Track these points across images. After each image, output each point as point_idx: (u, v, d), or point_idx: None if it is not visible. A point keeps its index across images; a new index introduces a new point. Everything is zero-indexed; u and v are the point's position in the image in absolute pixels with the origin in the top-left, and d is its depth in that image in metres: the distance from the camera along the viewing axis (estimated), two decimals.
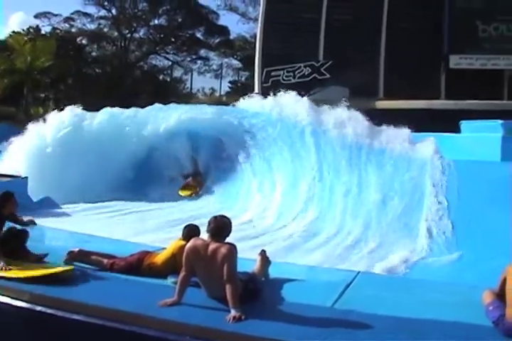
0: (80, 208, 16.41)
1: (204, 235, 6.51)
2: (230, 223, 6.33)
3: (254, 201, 17.17)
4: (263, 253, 7.46)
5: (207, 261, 6.06)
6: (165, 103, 23.16)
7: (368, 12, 37.59)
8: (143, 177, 19.72)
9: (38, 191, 16.13)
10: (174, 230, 12.74)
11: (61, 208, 16.03)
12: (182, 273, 6.21)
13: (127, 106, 22.25)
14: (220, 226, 6.19)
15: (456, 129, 20.50)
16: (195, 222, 8.13)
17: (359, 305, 6.31)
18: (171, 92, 60.12)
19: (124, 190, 18.95)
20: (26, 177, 16.00)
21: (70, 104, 21.89)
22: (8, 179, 15.74)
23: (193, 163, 19.96)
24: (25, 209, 13.79)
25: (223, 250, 5.98)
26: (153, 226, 14.16)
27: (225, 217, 6.40)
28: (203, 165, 20.30)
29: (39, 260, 7.74)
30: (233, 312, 5.73)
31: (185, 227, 7.70)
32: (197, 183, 19.25)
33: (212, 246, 6.07)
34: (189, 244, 6.25)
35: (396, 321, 5.86)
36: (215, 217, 6.32)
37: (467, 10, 35.85)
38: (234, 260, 6.01)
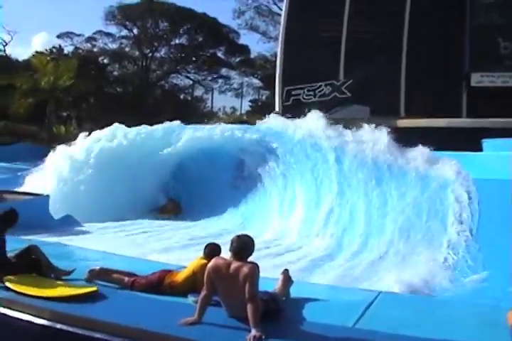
0: (101, 226, 16.43)
1: (226, 254, 6.50)
2: (253, 242, 6.31)
3: (275, 220, 17.13)
4: (286, 272, 7.43)
5: (228, 280, 6.04)
6: (186, 122, 23.25)
7: (389, 30, 37.57)
8: (159, 198, 19.87)
9: (60, 210, 16.27)
10: (195, 249, 12.81)
11: (82, 226, 16.06)
12: (203, 292, 6.19)
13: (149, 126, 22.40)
14: (243, 246, 6.18)
15: (478, 148, 20.33)
16: (217, 241, 8.13)
17: (381, 326, 6.25)
18: (192, 111, 60.45)
19: (144, 209, 19.03)
20: (48, 196, 16.10)
21: (92, 123, 22.10)
22: (31, 197, 15.87)
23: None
24: (46, 227, 14.06)
25: (245, 269, 5.96)
26: (174, 245, 14.12)
27: (247, 236, 6.39)
28: (223, 184, 20.28)
29: (66, 275, 7.79)
30: (254, 332, 5.69)
31: (207, 246, 7.70)
32: (173, 207, 19.29)
33: (235, 265, 6.05)
34: (211, 263, 6.23)
35: None
36: (238, 236, 6.31)
37: (488, 27, 35.72)
38: (256, 279, 5.99)
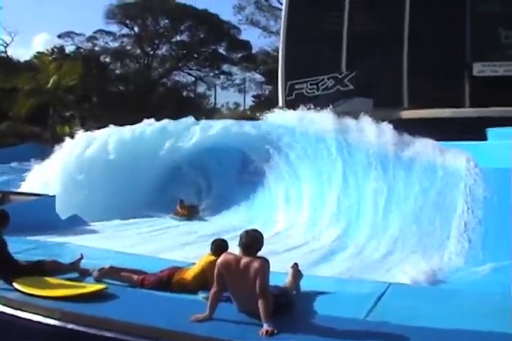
0: (108, 225, 16.42)
1: (233, 249, 6.49)
2: (262, 237, 6.29)
3: (282, 214, 17.11)
4: (295, 266, 7.42)
5: (239, 276, 6.03)
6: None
7: (390, 22, 37.42)
8: (166, 196, 19.76)
9: (66, 209, 16.26)
10: (203, 245, 12.79)
11: (89, 225, 16.06)
12: (213, 289, 6.18)
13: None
14: (252, 241, 6.15)
15: (483, 137, 20.29)
16: (224, 237, 8.13)
17: (392, 317, 6.25)
18: (195, 108, 60.36)
19: (151, 207, 19.00)
20: (54, 196, 16.04)
21: (95, 123, 22.09)
22: (36, 197, 15.86)
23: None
24: (54, 227, 14.06)
25: (255, 264, 5.94)
26: (182, 242, 14.10)
27: (256, 231, 6.37)
28: (229, 179, 20.25)
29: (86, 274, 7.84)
30: (266, 327, 5.69)
31: (214, 242, 7.70)
32: (185, 209, 19.05)
33: (244, 260, 6.03)
34: (220, 259, 6.22)
35: (432, 332, 5.78)
36: (247, 232, 6.29)
37: (489, 16, 35.54)
38: (266, 274, 5.97)
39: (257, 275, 5.90)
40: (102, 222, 16.62)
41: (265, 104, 51.38)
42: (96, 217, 16.71)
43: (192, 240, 14.41)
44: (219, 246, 7.46)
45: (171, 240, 14.52)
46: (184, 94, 67.57)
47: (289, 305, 6.48)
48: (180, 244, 13.88)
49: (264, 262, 6.01)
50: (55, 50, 54.58)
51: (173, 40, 63.05)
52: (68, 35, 61.70)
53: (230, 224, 16.99)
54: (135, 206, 18.45)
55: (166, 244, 13.62)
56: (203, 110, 62.18)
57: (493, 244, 12.56)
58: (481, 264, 11.86)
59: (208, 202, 19.68)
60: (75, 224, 15.51)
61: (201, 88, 68.30)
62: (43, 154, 21.33)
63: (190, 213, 18.40)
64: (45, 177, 19.29)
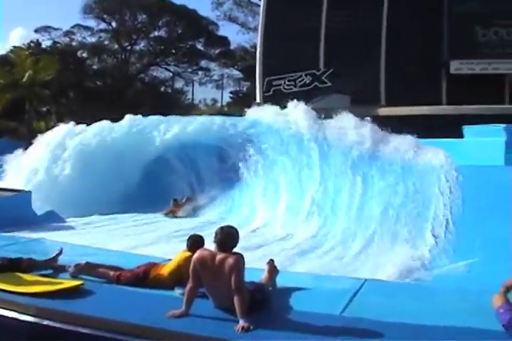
0: (84, 221, 16.34)
1: (210, 245, 6.50)
2: (237, 233, 6.30)
3: (258, 211, 17.13)
4: (271, 262, 7.43)
5: (214, 272, 6.03)
6: (167, 115, 23.11)
7: (368, 20, 37.58)
8: (145, 191, 19.64)
9: (42, 205, 16.18)
10: (178, 241, 12.84)
11: (65, 221, 15.98)
12: (189, 285, 6.18)
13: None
14: (227, 237, 6.16)
15: (459, 134, 20.45)
16: (200, 233, 8.12)
17: (368, 313, 6.27)
18: (173, 104, 60.20)
19: (125, 203, 18.89)
20: (30, 192, 15.95)
21: (72, 118, 21.91)
22: (12, 193, 15.74)
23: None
24: (30, 223, 13.97)
25: (230, 260, 5.95)
26: (159, 238, 14.10)
27: (231, 227, 6.38)
28: (206, 176, 20.19)
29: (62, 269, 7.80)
30: (242, 323, 5.69)
31: (190, 238, 7.69)
32: (179, 208, 18.98)
33: (220, 256, 6.04)
34: (196, 255, 6.22)
35: (407, 328, 5.82)
36: (222, 228, 6.29)
37: (466, 15, 35.81)
38: (241, 270, 5.98)
39: (232, 272, 5.91)
40: (80, 217, 16.55)
41: (243, 100, 51.51)
42: (73, 212, 16.65)
43: (168, 236, 14.43)
44: (195, 242, 7.46)
45: (147, 236, 14.48)
46: (162, 89, 67.36)
47: (265, 301, 6.49)
48: (156, 239, 13.90)
49: (240, 258, 6.02)
50: (32, 44, 54.04)
51: (151, 35, 62.84)
52: (45, 29, 61.21)
53: (207, 220, 17.02)
54: (111, 202, 18.36)
55: (142, 240, 13.59)
56: (180, 106, 62.11)
57: (467, 240, 12.66)
58: (455, 261, 11.93)
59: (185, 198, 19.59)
60: (51, 220, 15.45)
61: (179, 84, 68.25)
62: (17, 149, 21.13)
63: (184, 211, 18.41)
64: (22, 172, 19.14)
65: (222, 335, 5.58)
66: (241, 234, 6.41)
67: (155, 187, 19.84)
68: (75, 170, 18.88)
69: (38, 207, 15.98)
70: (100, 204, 17.71)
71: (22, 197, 15.48)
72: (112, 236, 14.16)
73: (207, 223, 16.21)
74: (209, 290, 6.31)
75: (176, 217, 17.99)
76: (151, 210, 18.43)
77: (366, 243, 13.57)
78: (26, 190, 16.30)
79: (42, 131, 23.51)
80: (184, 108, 59.39)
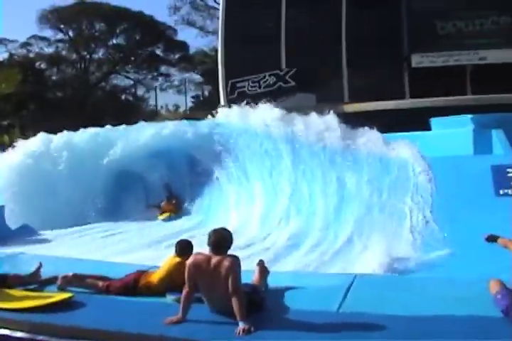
0: (60, 233, 16.13)
1: (199, 249, 6.46)
2: (231, 235, 6.28)
3: (234, 214, 17.01)
4: (261, 263, 7.41)
5: (210, 275, 5.99)
6: (130, 122, 22.82)
7: (327, 17, 37.70)
8: (118, 200, 19.44)
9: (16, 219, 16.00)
10: (160, 247, 12.96)
11: (40, 235, 15.77)
12: (185, 290, 6.12)
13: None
14: (221, 239, 6.13)
15: (426, 127, 20.59)
16: (178, 239, 8.07)
17: (364, 307, 6.31)
18: (135, 111, 59.97)
19: (100, 213, 18.68)
20: (3, 206, 15.73)
21: (35, 130, 21.52)
22: None
23: (165, 187, 19.55)
24: (4, 238, 13.77)
25: (226, 263, 5.92)
26: (137, 246, 13.98)
27: (225, 229, 6.35)
28: (179, 182, 20.02)
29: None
30: (242, 325, 5.66)
31: (178, 243, 7.65)
32: (172, 206, 18.87)
33: (215, 259, 6.00)
34: (190, 259, 6.17)
35: (405, 320, 5.85)
36: (215, 230, 6.26)
37: (424, 9, 36.12)
38: (238, 272, 5.96)
39: (229, 274, 5.88)
40: (54, 230, 16.34)
41: (205, 104, 51.40)
42: (47, 225, 16.43)
43: (146, 243, 14.34)
44: (183, 248, 7.43)
45: (124, 244, 14.39)
46: (123, 97, 67.04)
47: (262, 302, 6.47)
48: (134, 247, 13.78)
49: (235, 260, 5.99)
50: None
51: (109, 43, 62.54)
52: (1, 42, 60.47)
53: (182, 226, 16.92)
54: (84, 213, 18.19)
55: (120, 248, 13.57)
56: (142, 113, 61.77)
57: (441, 231, 12.77)
58: (434, 252, 12.00)
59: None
60: (25, 234, 15.25)
61: (140, 91, 67.98)
62: None
63: (177, 208, 18.48)
64: None
65: (223, 339, 5.55)
66: None
67: (124, 197, 19.66)
68: (42, 185, 18.52)
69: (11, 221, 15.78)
70: (73, 217, 17.54)
71: None
72: (90, 246, 14.05)
73: (182, 229, 16.14)
74: (205, 294, 6.25)
75: (174, 217, 18.05)
76: (123, 219, 18.27)
77: (347, 238, 13.52)
78: None
79: (7, 145, 23.16)
80: (147, 115, 59.07)
